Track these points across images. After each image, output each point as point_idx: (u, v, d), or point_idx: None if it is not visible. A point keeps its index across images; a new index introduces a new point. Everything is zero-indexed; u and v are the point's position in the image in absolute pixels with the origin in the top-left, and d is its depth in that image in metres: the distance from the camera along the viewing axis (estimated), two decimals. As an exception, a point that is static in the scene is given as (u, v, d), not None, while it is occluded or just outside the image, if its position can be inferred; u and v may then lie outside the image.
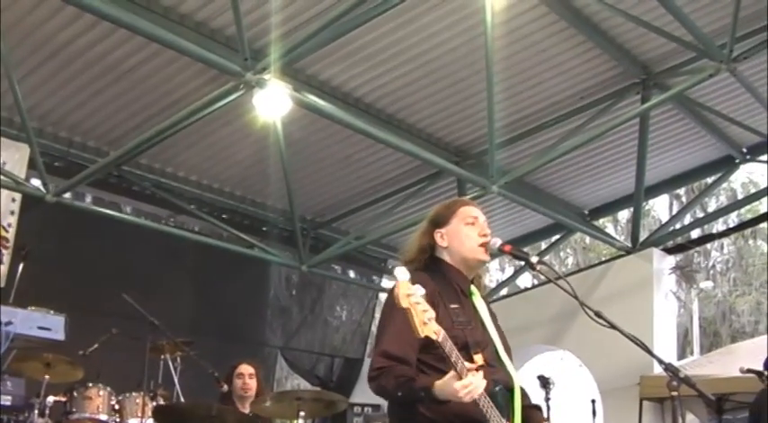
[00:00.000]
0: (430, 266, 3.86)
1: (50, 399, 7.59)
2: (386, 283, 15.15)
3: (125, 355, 8.43)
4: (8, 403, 7.65)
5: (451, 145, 11.98)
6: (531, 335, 13.52)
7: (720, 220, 21.12)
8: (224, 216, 12.63)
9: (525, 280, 20.14)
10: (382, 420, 11.46)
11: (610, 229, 24.56)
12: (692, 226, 15.91)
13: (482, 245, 3.85)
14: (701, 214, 21.35)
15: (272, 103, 8.64)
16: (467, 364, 3.29)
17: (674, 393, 3.56)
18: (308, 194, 12.60)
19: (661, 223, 20.11)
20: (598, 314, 3.71)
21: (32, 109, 9.69)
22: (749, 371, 8.27)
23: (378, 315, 15.07)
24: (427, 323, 3.19)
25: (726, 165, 13.52)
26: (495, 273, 25.81)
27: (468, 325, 3.65)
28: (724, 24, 9.36)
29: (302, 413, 6.76)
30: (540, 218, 13.58)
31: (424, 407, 3.49)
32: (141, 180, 11.42)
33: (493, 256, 4.00)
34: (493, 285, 16.24)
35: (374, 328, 15.06)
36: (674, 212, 20.84)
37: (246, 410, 7.50)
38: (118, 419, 7.73)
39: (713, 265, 28.75)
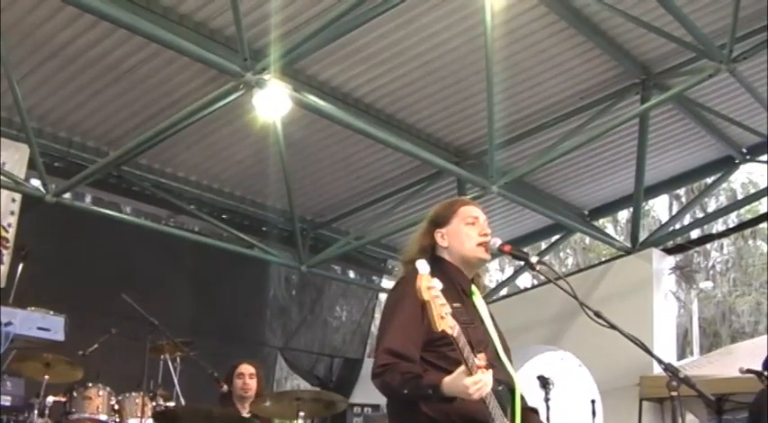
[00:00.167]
0: (431, 266, 3.85)
1: (50, 399, 7.60)
2: (386, 283, 15.15)
3: (125, 355, 8.46)
4: (8, 403, 7.66)
5: (451, 145, 11.98)
6: (530, 335, 13.52)
7: (720, 220, 21.14)
8: (224, 216, 12.63)
9: (525, 280, 20.16)
10: (382, 420, 11.45)
11: (609, 230, 24.56)
12: (691, 226, 15.91)
13: (482, 244, 3.85)
14: (700, 214, 21.34)
15: (272, 103, 8.63)
16: (477, 361, 3.28)
17: (674, 393, 3.56)
18: (307, 194, 12.60)
19: (661, 223, 20.11)
20: (598, 314, 3.71)
21: (32, 109, 9.69)
22: (749, 371, 8.26)
23: (377, 315, 15.12)
24: (444, 317, 3.19)
25: (725, 165, 13.52)
26: (494, 273, 25.82)
27: (471, 324, 3.65)
28: (724, 25, 9.36)
29: (302, 413, 6.76)
30: (539, 218, 13.57)
31: (427, 406, 3.49)
32: (141, 180, 11.42)
33: (493, 256, 3.99)
34: (493, 285, 16.23)
35: (374, 329, 15.12)
36: (674, 213, 20.82)
37: (246, 411, 7.49)
38: (117, 419, 7.74)
39: (713, 266, 28.75)
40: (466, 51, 9.82)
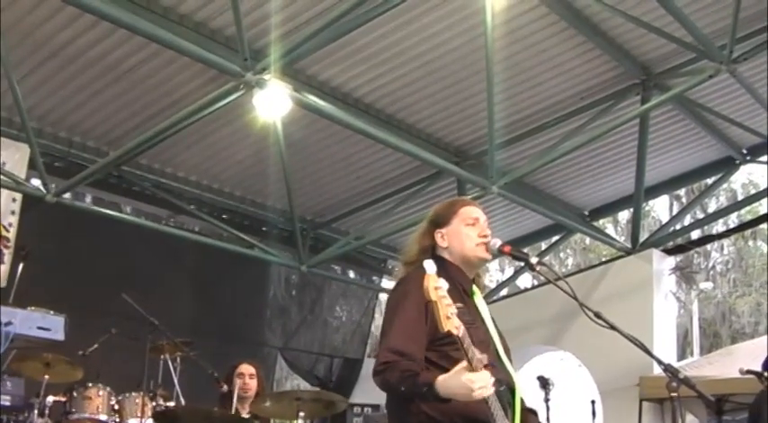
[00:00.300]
0: None
1: (50, 399, 7.61)
2: (386, 283, 15.15)
3: (125, 355, 8.47)
4: (8, 403, 7.67)
5: (451, 145, 11.98)
6: (530, 335, 13.52)
7: (720, 220, 21.15)
8: (224, 216, 12.63)
9: (525, 280, 20.15)
10: (382, 420, 11.45)
11: (610, 230, 24.55)
12: (691, 227, 15.90)
13: (482, 244, 3.85)
14: (701, 215, 21.35)
15: (272, 103, 8.63)
16: (479, 356, 3.27)
17: (674, 394, 3.56)
18: (307, 195, 12.60)
19: (661, 224, 20.11)
20: (597, 315, 3.71)
21: (32, 109, 9.69)
22: (748, 372, 8.26)
23: (378, 315, 15.14)
24: (450, 317, 3.19)
25: (726, 166, 13.53)
26: (495, 273, 25.80)
27: (473, 324, 3.63)
28: (724, 25, 9.36)
29: (302, 413, 6.76)
30: (539, 218, 13.57)
31: (426, 405, 3.48)
32: (141, 180, 11.42)
33: (493, 256, 3.99)
34: (493, 286, 16.24)
35: (374, 329, 15.13)
36: (674, 213, 20.81)
37: (246, 411, 7.48)
38: (117, 419, 7.74)
39: (713, 266, 28.73)
40: (466, 51, 9.82)
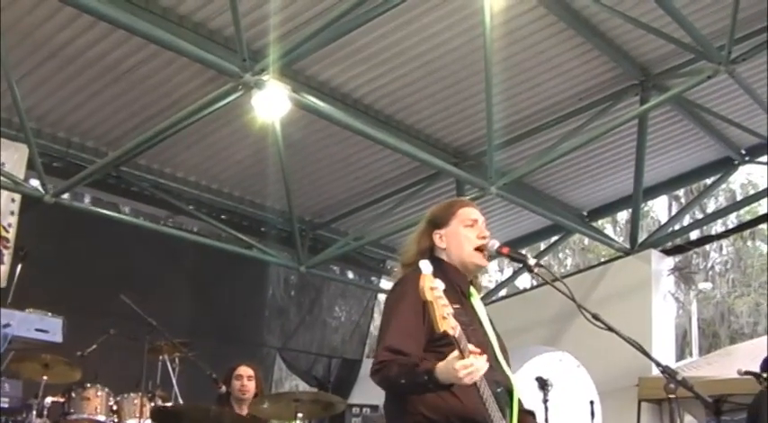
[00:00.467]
0: None
1: (48, 399, 7.61)
2: (384, 283, 15.14)
3: (123, 355, 8.46)
4: (5, 405, 7.67)
5: (450, 146, 11.98)
6: (529, 336, 13.51)
7: (719, 221, 21.15)
8: (223, 217, 12.63)
9: (524, 281, 20.16)
10: (380, 421, 11.46)
11: (609, 230, 24.59)
12: (690, 227, 15.90)
13: (480, 247, 3.85)
14: (699, 215, 21.35)
15: (271, 104, 8.63)
16: (470, 347, 3.27)
17: (672, 396, 3.56)
18: (306, 195, 12.61)
19: (660, 224, 20.11)
20: (596, 317, 3.71)
21: (31, 109, 9.69)
22: (747, 373, 8.27)
23: (377, 316, 15.13)
24: (446, 318, 3.18)
25: (724, 166, 13.53)
26: (494, 273, 25.83)
27: (470, 326, 3.63)
28: (723, 26, 9.36)
29: (300, 414, 6.75)
30: (538, 219, 13.56)
31: (424, 405, 3.48)
32: (140, 180, 11.42)
33: (491, 258, 3.98)
34: (492, 286, 16.26)
35: (373, 329, 15.12)
36: (673, 214, 20.82)
37: (244, 412, 7.48)
38: (116, 420, 7.74)
39: (712, 267, 28.77)
40: (465, 52, 9.82)
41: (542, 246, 17.98)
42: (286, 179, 10.94)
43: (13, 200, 9.90)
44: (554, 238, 15.82)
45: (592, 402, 10.54)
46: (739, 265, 28.62)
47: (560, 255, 28.66)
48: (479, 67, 9.39)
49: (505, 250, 3.83)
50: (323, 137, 11.11)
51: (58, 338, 7.60)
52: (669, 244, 14.05)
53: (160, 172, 11.61)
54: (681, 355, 23.32)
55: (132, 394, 7.83)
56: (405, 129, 11.29)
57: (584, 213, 14.39)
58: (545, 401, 8.30)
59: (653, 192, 14.27)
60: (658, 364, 3.64)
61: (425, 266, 3.24)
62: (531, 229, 14.79)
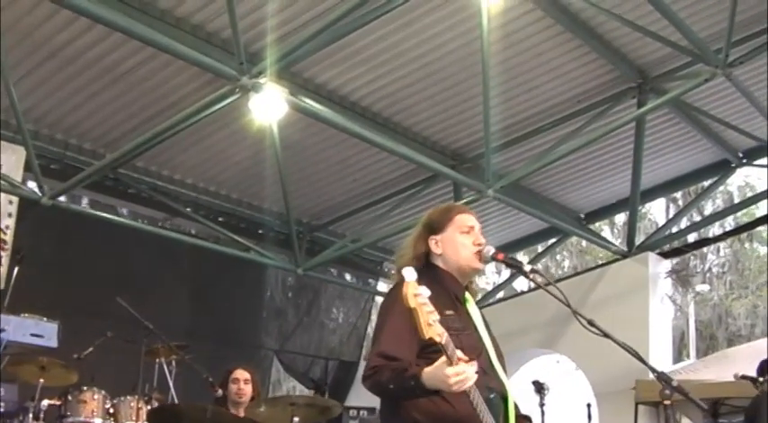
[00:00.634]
0: (424, 273, 3.84)
1: (45, 402, 7.59)
2: (382, 285, 15.14)
3: (120, 358, 8.46)
4: (2, 409, 7.66)
5: (448, 148, 11.98)
6: (526, 338, 13.51)
7: (716, 223, 21.15)
8: (220, 219, 12.63)
9: (521, 283, 20.16)
10: (378, 424, 11.45)
11: (606, 232, 24.55)
12: (688, 230, 15.89)
13: (476, 253, 3.85)
14: (697, 217, 21.35)
15: (268, 106, 8.63)
16: (459, 354, 3.26)
17: (667, 402, 3.56)
18: (304, 197, 12.61)
19: (658, 226, 20.11)
20: (591, 323, 3.72)
21: (28, 111, 9.69)
22: (743, 377, 8.29)
23: (374, 317, 15.11)
24: (432, 325, 3.17)
25: (722, 169, 13.52)
26: (491, 275, 25.80)
27: (464, 331, 3.63)
28: (720, 29, 9.34)
29: (296, 419, 6.75)
30: (536, 221, 13.54)
31: (417, 411, 3.48)
32: (137, 183, 11.42)
33: (486, 263, 3.98)
34: (489, 288, 16.24)
35: (370, 331, 15.10)
36: (671, 216, 20.82)
37: (241, 416, 7.49)
38: (112, 423, 7.74)
39: (709, 268, 28.74)
40: (463, 54, 9.82)
41: (540, 248, 17.97)
42: (283, 181, 10.94)
43: (10, 202, 9.87)
44: (551, 241, 15.80)
45: (589, 405, 10.55)
46: (737, 267, 28.60)
47: (558, 256, 28.63)
48: (477, 69, 9.38)
49: (501, 256, 3.83)
50: (321, 139, 11.11)
51: (53, 343, 7.61)
52: (666, 247, 14.05)
53: (158, 174, 11.61)
54: (678, 358, 23.31)
55: (129, 397, 7.82)
56: (402, 131, 11.29)
57: (582, 216, 14.39)
58: (541, 405, 8.30)
59: (650, 194, 14.25)
60: (653, 370, 3.64)
61: (409, 274, 3.24)
62: (529, 231, 14.78)
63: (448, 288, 3.81)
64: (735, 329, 27.58)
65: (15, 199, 9.86)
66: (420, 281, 3.66)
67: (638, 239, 13.74)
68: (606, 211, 14.81)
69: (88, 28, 8.63)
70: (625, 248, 13.61)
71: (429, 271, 3.84)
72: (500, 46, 9.44)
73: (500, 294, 16.06)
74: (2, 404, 7.60)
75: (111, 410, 7.76)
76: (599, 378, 12.58)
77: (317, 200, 12.99)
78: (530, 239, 15.31)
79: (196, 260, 12.20)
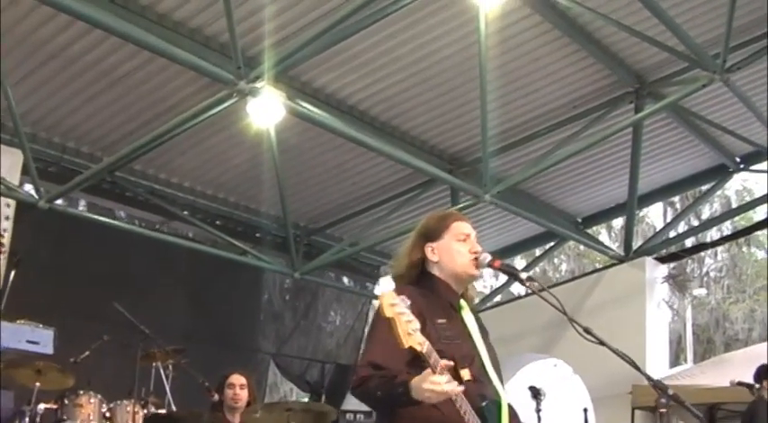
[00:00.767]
0: (419, 281, 3.85)
1: (41, 406, 7.62)
2: (379, 289, 15.14)
3: (117, 362, 8.47)
4: (-2, 416, 7.67)
5: (445, 152, 11.98)
6: (523, 343, 13.52)
7: (714, 227, 21.15)
8: (217, 222, 12.62)
9: (519, 287, 20.12)
10: (374, 428, 11.44)
11: (604, 236, 24.57)
12: (685, 234, 15.90)
13: (473, 261, 3.84)
14: (695, 222, 21.36)
15: (266, 110, 8.64)
16: (443, 362, 3.25)
17: (663, 411, 3.56)
18: (301, 201, 12.60)
19: (656, 230, 20.11)
20: (587, 330, 3.72)
21: (26, 114, 9.69)
22: (740, 384, 8.30)
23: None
24: (412, 334, 3.18)
25: (719, 173, 13.53)
26: (489, 279, 25.78)
27: (456, 340, 3.63)
28: (718, 34, 9.35)
29: (292, 424, 6.76)
30: (533, 225, 13.54)
31: (406, 419, 3.47)
32: (135, 186, 11.41)
33: (481, 270, 3.98)
34: (487, 292, 16.24)
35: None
36: (669, 220, 20.82)
37: (237, 421, 7.48)
38: (109, 427, 7.73)
39: (707, 273, 28.76)
40: (460, 59, 9.82)
41: (538, 251, 17.98)
42: (281, 185, 10.93)
43: (7, 205, 9.87)
44: (549, 245, 15.80)
45: (585, 410, 10.53)
46: (734, 271, 28.62)
47: (555, 260, 28.61)
48: (475, 73, 9.39)
49: (497, 264, 3.82)
50: (318, 143, 11.12)
51: (49, 350, 7.61)
52: (664, 251, 14.05)
53: (155, 177, 11.61)
54: (675, 361, 23.30)
55: (125, 401, 7.83)
56: (400, 135, 11.30)
57: (579, 220, 14.38)
58: (538, 411, 8.28)
59: (647, 199, 14.27)
60: (649, 379, 3.64)
61: (386, 284, 3.25)
62: (526, 235, 14.78)
63: (442, 296, 3.81)
64: (732, 333, 27.59)
65: (12, 202, 9.87)
66: (413, 289, 3.68)
67: (636, 243, 13.76)
68: (603, 216, 14.81)
69: (86, 31, 8.62)
70: (622, 253, 13.62)
71: (424, 279, 3.85)
72: (497, 50, 9.44)
73: (497, 298, 16.07)
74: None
75: (108, 414, 7.78)
76: (596, 383, 12.56)
77: (314, 204, 12.99)
78: (527, 244, 15.32)
79: (193, 263, 12.19)
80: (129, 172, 11.25)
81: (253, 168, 11.43)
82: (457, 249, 3.87)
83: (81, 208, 11.54)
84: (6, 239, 9.63)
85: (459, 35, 9.45)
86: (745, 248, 28.49)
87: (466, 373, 3.50)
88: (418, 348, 3.20)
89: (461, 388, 3.31)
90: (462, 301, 3.91)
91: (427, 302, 3.67)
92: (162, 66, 9.30)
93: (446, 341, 3.50)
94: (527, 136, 11.64)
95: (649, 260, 13.38)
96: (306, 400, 14.06)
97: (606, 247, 14.77)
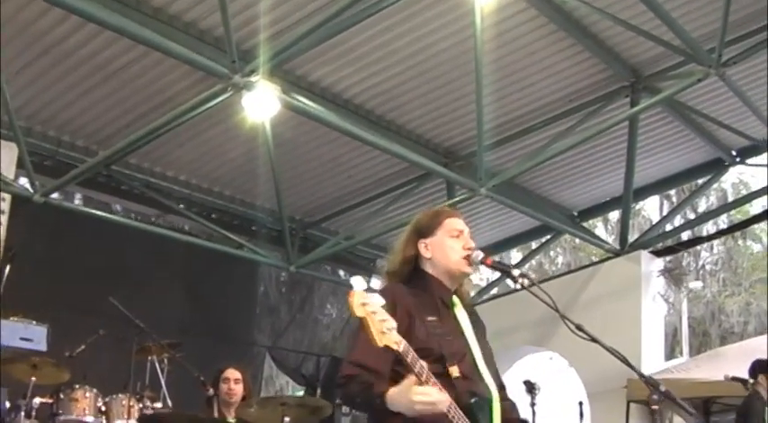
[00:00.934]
0: (411, 278, 3.85)
1: (37, 400, 7.60)
2: (375, 283, 15.13)
3: (112, 356, 8.47)
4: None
5: (441, 146, 11.98)
6: (519, 336, 13.52)
7: (710, 220, 21.18)
8: (213, 216, 12.62)
9: (515, 280, 20.12)
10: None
11: (600, 229, 24.63)
12: (681, 228, 15.93)
13: (465, 258, 3.84)
14: (691, 215, 21.37)
15: (261, 104, 8.63)
16: (419, 361, 3.25)
17: (655, 407, 3.57)
18: (297, 194, 12.60)
19: (652, 223, 20.13)
20: (579, 327, 3.72)
21: (21, 108, 9.68)
22: (734, 379, 8.33)
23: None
24: (386, 333, 3.16)
25: (715, 167, 13.54)
26: (485, 272, 25.77)
27: (446, 337, 3.62)
28: (713, 29, 9.35)
29: (287, 419, 6.74)
30: (529, 218, 13.54)
31: (394, 418, 3.46)
32: (130, 179, 11.40)
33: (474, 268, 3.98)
34: (483, 284, 16.25)
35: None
36: (665, 213, 20.85)
37: (232, 415, 7.49)
38: (104, 421, 7.72)
39: (703, 266, 28.80)
40: (456, 53, 9.82)
41: (534, 244, 17.98)
42: (276, 178, 10.94)
43: (2, 199, 9.87)
44: (545, 238, 15.81)
45: (581, 403, 10.55)
46: (730, 264, 28.66)
47: (551, 253, 28.63)
48: (470, 67, 9.39)
49: (489, 261, 3.83)
50: (313, 137, 11.10)
51: (43, 347, 7.62)
52: (660, 245, 14.06)
53: (151, 171, 11.60)
54: (671, 354, 23.36)
55: (121, 395, 7.81)
56: (395, 129, 11.29)
57: (575, 213, 14.38)
58: (532, 405, 8.29)
59: (643, 193, 14.29)
60: (641, 376, 3.65)
61: (357, 283, 3.24)
62: (522, 229, 14.77)
63: (434, 293, 3.80)
64: (728, 326, 27.64)
65: (7, 196, 9.86)
66: (403, 287, 3.68)
67: (632, 236, 13.76)
68: (599, 209, 14.83)
69: (81, 25, 8.60)
70: (618, 246, 13.63)
71: (416, 276, 3.85)
72: (493, 44, 9.45)
73: (494, 291, 16.07)
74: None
75: (103, 408, 7.76)
76: (591, 376, 12.57)
77: (309, 197, 12.98)
78: (522, 237, 15.32)
79: (189, 257, 12.17)
80: (124, 165, 11.23)
81: (248, 162, 11.42)
82: (450, 245, 3.86)
83: (77, 202, 11.56)
84: (1, 234, 9.66)
85: (454, 29, 9.44)
86: (741, 242, 28.53)
87: (455, 370, 3.50)
88: (394, 347, 3.20)
89: (449, 401, 3.31)
90: (455, 298, 3.91)
91: (417, 300, 3.67)
92: (157, 59, 9.28)
93: (435, 338, 3.51)
94: (523, 130, 11.64)
95: (645, 254, 13.39)
96: (301, 393, 14.07)
97: (602, 240, 14.80)
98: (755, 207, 17.99)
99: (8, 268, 8.09)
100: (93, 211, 10.98)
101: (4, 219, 9.81)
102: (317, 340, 14.93)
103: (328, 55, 9.64)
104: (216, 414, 7.31)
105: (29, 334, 7.55)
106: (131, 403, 7.68)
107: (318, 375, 14.47)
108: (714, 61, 8.99)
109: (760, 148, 12.70)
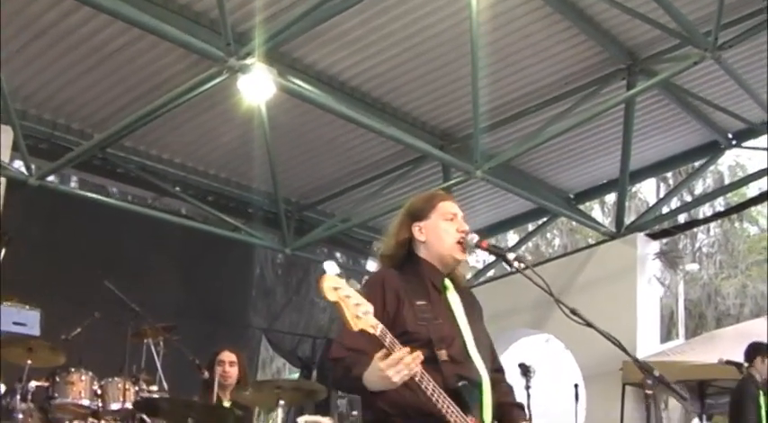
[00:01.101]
0: (405, 261, 3.85)
1: (32, 384, 7.58)
2: (371, 265, 15.15)
3: (108, 339, 8.44)
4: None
5: (437, 128, 11.96)
6: (515, 318, 13.53)
7: (707, 203, 21.20)
8: (209, 198, 12.60)
9: (512, 262, 20.13)
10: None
11: (597, 211, 24.61)
12: (678, 210, 15.94)
13: (460, 242, 3.84)
14: (688, 197, 21.37)
15: (257, 87, 8.62)
16: (398, 345, 3.24)
17: (649, 392, 3.58)
18: (293, 177, 12.59)
19: (648, 206, 20.13)
20: (574, 311, 3.73)
21: (16, 91, 9.66)
22: (728, 363, 8.35)
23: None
24: (361, 317, 3.17)
25: (711, 150, 13.54)
26: (482, 254, 25.76)
27: (435, 321, 3.62)
28: (710, 12, 9.33)
29: (282, 402, 6.75)
30: (525, 201, 13.53)
31: (382, 400, 3.47)
32: (126, 162, 11.39)
33: (470, 252, 3.97)
34: (480, 267, 16.26)
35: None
36: (662, 196, 20.85)
37: (227, 398, 7.50)
38: (100, 404, 7.72)
39: (699, 248, 28.84)
40: (452, 35, 9.79)
41: (531, 226, 17.99)
42: (272, 161, 10.94)
43: (-2, 182, 9.86)
44: (541, 220, 15.80)
45: (576, 386, 10.58)
46: (726, 246, 28.70)
47: (548, 235, 28.64)
48: (466, 50, 9.36)
49: (484, 244, 3.82)
50: (309, 119, 11.08)
51: (36, 331, 7.60)
52: (656, 227, 14.07)
53: (146, 153, 11.58)
54: (667, 336, 23.39)
55: (117, 378, 7.82)
56: (391, 111, 11.27)
57: (571, 196, 14.38)
58: (527, 388, 8.31)
59: (639, 175, 14.28)
60: (635, 360, 3.66)
61: (329, 268, 3.25)
62: (519, 211, 14.78)
63: (425, 277, 3.81)
64: (724, 309, 27.69)
65: (3, 179, 9.83)
66: (393, 271, 3.68)
67: (629, 219, 13.76)
68: (596, 192, 14.83)
69: (76, 7, 8.55)
70: (614, 229, 13.63)
71: (408, 260, 3.85)
72: (489, 27, 9.42)
73: (490, 273, 16.08)
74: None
75: (99, 391, 7.76)
76: (587, 359, 12.58)
77: (305, 179, 12.97)
78: (519, 219, 15.33)
79: (185, 240, 12.17)
80: (120, 148, 11.22)
81: (244, 145, 11.39)
82: (444, 228, 3.86)
83: (72, 185, 11.54)
84: (-2, 216, 9.65)
85: (450, 11, 9.40)
86: (737, 224, 28.57)
87: (443, 354, 3.51)
88: (371, 331, 3.20)
89: (418, 359, 3.26)
90: (448, 282, 3.90)
91: (407, 285, 3.67)
92: (152, 42, 9.25)
93: (423, 323, 3.51)
94: (519, 112, 11.63)
95: (641, 236, 13.40)
96: (297, 375, 14.09)
97: (598, 223, 14.80)
98: (752, 189, 17.97)
99: (3, 252, 8.08)
100: (89, 195, 10.98)
101: (0, 202, 9.79)
102: (313, 322, 14.93)
103: (324, 37, 9.61)
104: (213, 397, 7.33)
105: (22, 318, 7.53)
106: (127, 386, 7.69)
107: (314, 357, 14.50)
108: (710, 44, 8.98)
109: (756, 130, 12.69)
